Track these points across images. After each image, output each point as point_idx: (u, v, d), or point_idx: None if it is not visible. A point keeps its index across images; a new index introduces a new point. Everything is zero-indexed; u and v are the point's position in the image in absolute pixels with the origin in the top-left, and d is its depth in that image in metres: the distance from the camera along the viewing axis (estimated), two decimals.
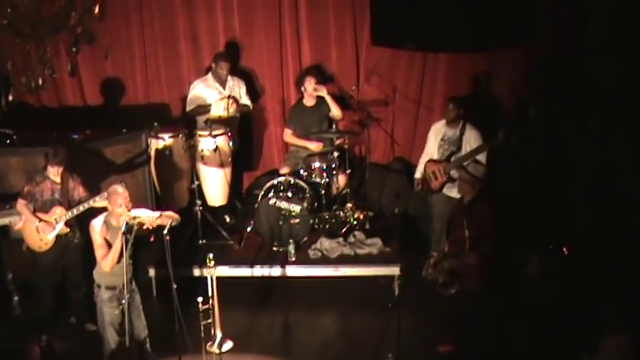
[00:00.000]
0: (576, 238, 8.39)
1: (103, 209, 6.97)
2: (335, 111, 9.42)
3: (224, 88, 9.57)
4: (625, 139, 7.88)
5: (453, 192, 8.62)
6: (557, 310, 7.62)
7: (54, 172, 7.68)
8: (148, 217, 6.75)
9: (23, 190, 7.74)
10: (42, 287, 8.01)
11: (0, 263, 8.56)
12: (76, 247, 7.87)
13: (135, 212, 6.74)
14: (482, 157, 8.32)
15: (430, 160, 8.79)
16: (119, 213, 6.67)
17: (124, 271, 6.62)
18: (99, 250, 6.77)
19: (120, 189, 6.74)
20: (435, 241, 8.99)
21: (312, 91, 9.36)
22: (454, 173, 8.55)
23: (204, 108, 9.48)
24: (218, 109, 9.46)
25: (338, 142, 9.30)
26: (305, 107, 9.53)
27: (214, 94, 9.54)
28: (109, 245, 6.73)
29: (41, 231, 7.69)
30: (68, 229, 7.76)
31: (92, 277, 6.97)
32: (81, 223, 7.73)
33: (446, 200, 8.80)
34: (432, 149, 8.81)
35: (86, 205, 7.55)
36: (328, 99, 9.37)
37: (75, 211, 7.61)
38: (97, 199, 7.42)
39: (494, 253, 7.23)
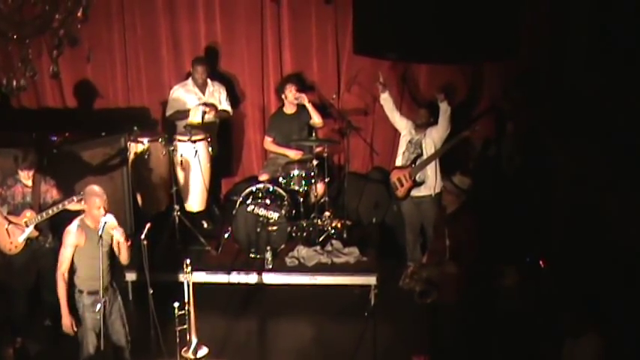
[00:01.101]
0: (553, 251, 8.43)
1: (79, 212, 6.92)
2: (316, 118, 9.42)
3: (204, 93, 9.55)
4: (604, 153, 7.93)
5: (419, 191, 8.68)
6: (532, 321, 7.65)
7: (24, 176, 7.63)
8: (120, 235, 6.75)
9: None
10: (15, 290, 7.96)
11: None
12: (49, 252, 7.76)
13: (110, 217, 6.70)
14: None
15: (394, 168, 8.84)
16: (96, 215, 6.59)
17: (106, 275, 6.61)
18: (62, 260, 6.71)
19: (97, 189, 6.68)
20: (409, 252, 9.04)
21: (292, 98, 9.36)
22: (420, 176, 8.62)
23: (184, 113, 9.45)
24: (195, 116, 9.44)
25: (317, 150, 9.27)
26: (285, 115, 9.53)
27: (194, 99, 9.51)
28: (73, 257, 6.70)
29: (11, 234, 7.66)
30: (38, 233, 7.72)
31: (72, 282, 6.87)
32: (54, 228, 7.69)
33: (415, 210, 8.86)
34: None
35: (55, 209, 7.51)
36: (309, 106, 9.36)
37: (45, 215, 7.57)
38: (67, 202, 7.39)
39: (473, 263, 7.26)
